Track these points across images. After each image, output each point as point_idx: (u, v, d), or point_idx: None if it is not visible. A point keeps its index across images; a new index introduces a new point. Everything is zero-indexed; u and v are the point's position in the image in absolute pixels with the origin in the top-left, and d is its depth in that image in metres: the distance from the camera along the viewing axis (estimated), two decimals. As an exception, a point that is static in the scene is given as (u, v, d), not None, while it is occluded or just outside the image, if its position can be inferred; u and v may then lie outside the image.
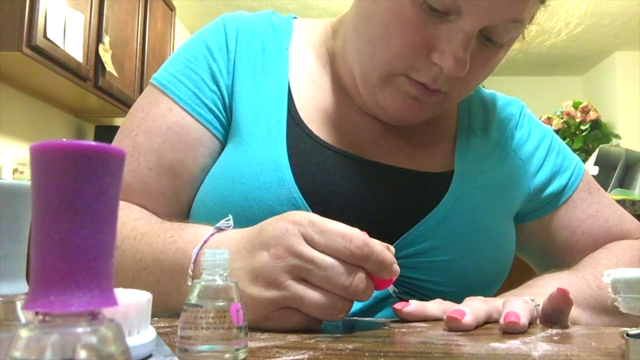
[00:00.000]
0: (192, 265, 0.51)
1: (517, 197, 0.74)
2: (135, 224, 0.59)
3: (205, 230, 0.54)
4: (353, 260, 0.46)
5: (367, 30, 0.62)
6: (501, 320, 0.49)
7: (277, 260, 0.46)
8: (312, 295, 0.45)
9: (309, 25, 0.77)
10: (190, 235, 0.54)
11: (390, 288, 0.53)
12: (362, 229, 0.47)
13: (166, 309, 0.53)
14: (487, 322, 0.53)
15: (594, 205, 0.77)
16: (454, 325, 0.49)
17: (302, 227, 0.46)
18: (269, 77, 0.70)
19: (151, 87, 0.70)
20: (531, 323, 0.52)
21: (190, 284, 0.51)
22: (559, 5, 0.70)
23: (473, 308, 0.51)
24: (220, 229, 0.53)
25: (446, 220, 0.64)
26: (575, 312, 0.58)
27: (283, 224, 0.47)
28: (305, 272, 0.45)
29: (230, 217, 0.54)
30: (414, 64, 0.61)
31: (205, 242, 0.52)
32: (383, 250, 0.47)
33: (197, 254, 0.51)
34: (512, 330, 0.48)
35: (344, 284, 0.45)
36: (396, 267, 0.48)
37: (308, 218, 0.47)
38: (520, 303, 0.52)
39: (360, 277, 0.46)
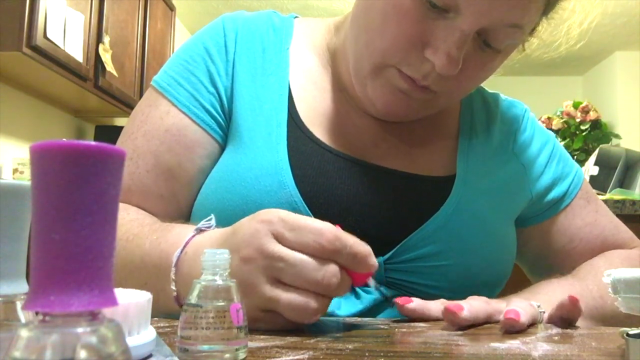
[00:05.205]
0: (173, 269, 0.51)
1: (518, 202, 0.74)
2: (129, 226, 0.60)
3: (189, 232, 0.54)
4: (325, 255, 0.45)
5: (365, 19, 0.63)
6: (501, 317, 0.49)
7: (248, 263, 0.45)
8: (286, 297, 0.45)
9: (311, 25, 0.77)
10: (174, 238, 0.55)
11: (371, 282, 0.52)
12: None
13: (157, 311, 0.53)
14: (488, 322, 0.53)
15: (591, 213, 0.77)
16: (450, 318, 0.50)
17: (271, 225, 0.45)
18: (269, 78, 0.70)
19: (151, 89, 0.71)
20: (531, 325, 0.52)
21: (174, 287, 0.51)
22: (562, 20, 0.70)
23: (472, 305, 0.51)
24: (200, 230, 0.53)
25: (447, 224, 0.64)
26: (578, 322, 0.58)
27: (253, 224, 0.46)
28: (277, 271, 0.45)
29: (212, 216, 0.54)
30: (407, 57, 0.60)
31: (185, 245, 0.52)
32: (356, 242, 0.46)
33: (178, 257, 0.51)
34: (510, 328, 0.48)
35: (315, 278, 0.44)
36: (373, 260, 0.47)
37: (278, 215, 0.46)
38: (525, 304, 0.52)
39: (332, 271, 0.45)
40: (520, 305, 0.51)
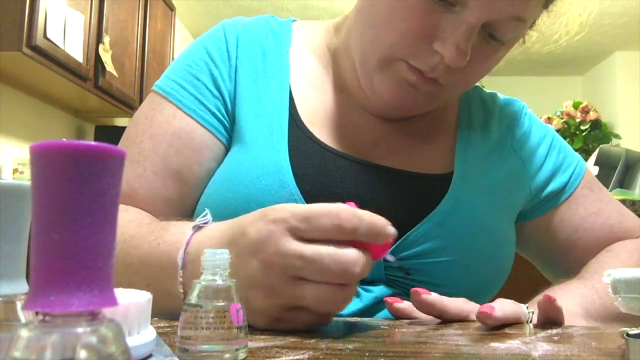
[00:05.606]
0: (180, 272, 0.51)
1: (517, 198, 0.74)
2: (127, 227, 0.59)
3: (187, 230, 0.53)
4: (345, 235, 0.44)
5: (371, 13, 0.63)
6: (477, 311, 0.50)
7: (268, 266, 0.45)
8: (311, 292, 0.44)
9: (309, 27, 0.78)
10: (172, 237, 0.54)
11: (390, 257, 0.52)
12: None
13: (162, 312, 0.53)
14: (464, 321, 0.54)
15: (595, 202, 0.77)
16: (416, 299, 0.52)
17: (286, 223, 0.45)
18: (271, 81, 0.70)
19: (154, 94, 0.70)
20: (517, 323, 0.53)
21: (182, 290, 0.51)
22: (560, 13, 0.71)
23: (444, 297, 0.53)
24: (199, 227, 0.53)
25: (446, 221, 0.64)
26: (587, 324, 0.58)
27: (266, 225, 0.45)
28: (298, 271, 0.44)
29: (207, 211, 0.54)
30: (415, 50, 0.61)
31: (187, 244, 0.51)
32: (372, 215, 0.45)
33: (183, 258, 0.51)
34: (482, 321, 0.49)
35: (337, 271, 0.44)
36: (390, 228, 0.46)
37: (289, 211, 0.45)
38: (507, 302, 0.53)
39: (353, 259, 0.44)
40: (501, 303, 0.51)
